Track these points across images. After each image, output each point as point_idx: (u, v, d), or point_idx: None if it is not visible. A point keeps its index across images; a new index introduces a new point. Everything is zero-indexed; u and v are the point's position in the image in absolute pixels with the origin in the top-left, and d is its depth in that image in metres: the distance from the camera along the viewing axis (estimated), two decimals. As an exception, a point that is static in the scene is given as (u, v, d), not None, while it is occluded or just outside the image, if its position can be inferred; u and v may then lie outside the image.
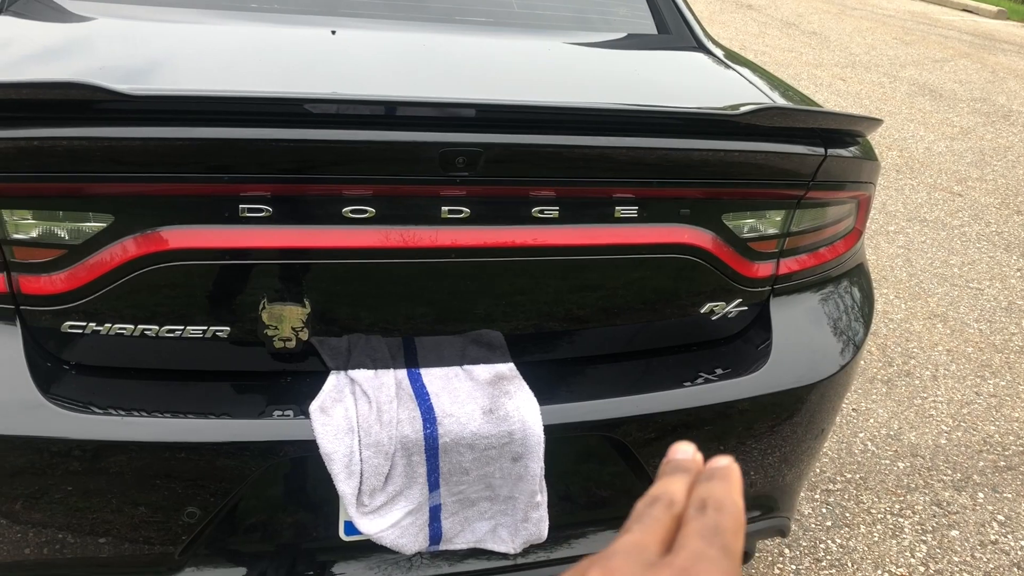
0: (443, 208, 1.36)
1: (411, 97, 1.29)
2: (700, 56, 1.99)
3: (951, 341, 3.65)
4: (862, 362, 3.35)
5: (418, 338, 1.48)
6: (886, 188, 5.37)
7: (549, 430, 1.42)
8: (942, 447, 2.93)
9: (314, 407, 1.35)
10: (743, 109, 1.42)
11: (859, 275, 1.87)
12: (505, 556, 1.53)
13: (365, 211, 1.32)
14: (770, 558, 2.36)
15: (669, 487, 0.44)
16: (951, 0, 13.59)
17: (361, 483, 1.35)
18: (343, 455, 1.33)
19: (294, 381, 1.43)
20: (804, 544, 2.42)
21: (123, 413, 1.32)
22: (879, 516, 2.57)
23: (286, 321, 1.36)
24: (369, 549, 1.46)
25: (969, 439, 2.99)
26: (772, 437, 1.67)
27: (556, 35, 2.04)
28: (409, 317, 1.46)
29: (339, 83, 1.53)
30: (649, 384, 1.56)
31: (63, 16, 1.69)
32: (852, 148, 1.62)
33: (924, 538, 2.50)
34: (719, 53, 2.02)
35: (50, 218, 1.26)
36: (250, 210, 1.28)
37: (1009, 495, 2.72)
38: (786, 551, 2.39)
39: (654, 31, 2.15)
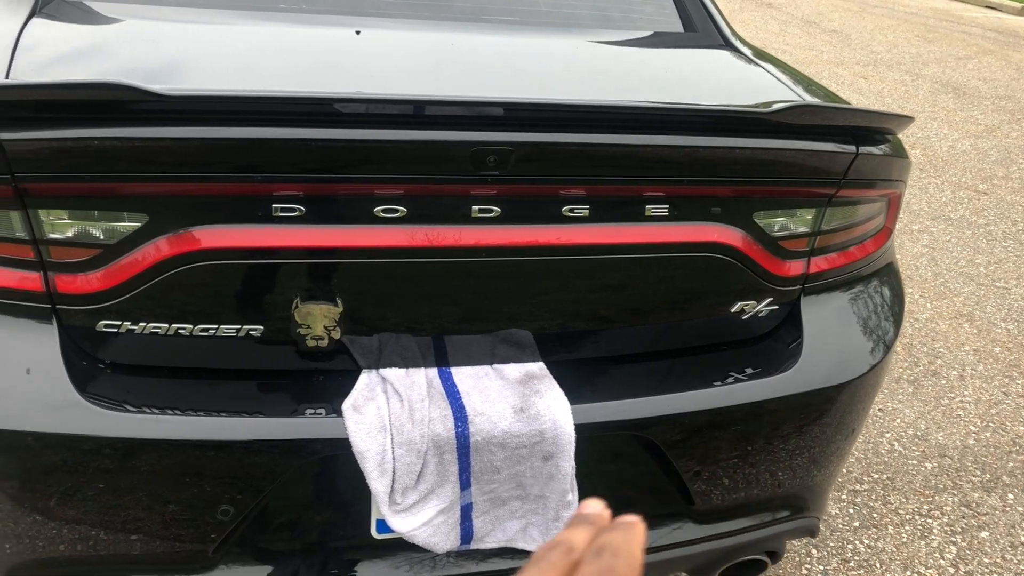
0: (473, 207, 1.36)
1: (444, 96, 1.29)
2: (728, 54, 1.98)
3: (978, 341, 3.62)
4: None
5: (448, 337, 1.48)
6: (910, 187, 5.33)
7: (579, 429, 1.41)
8: (970, 448, 2.90)
9: (347, 405, 1.35)
10: (775, 107, 1.41)
11: (889, 274, 1.85)
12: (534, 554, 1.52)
13: (396, 210, 1.33)
14: (797, 558, 2.34)
15: (571, 535, 0.46)
16: (974, -3, 13.46)
17: (394, 481, 1.35)
18: (376, 453, 1.33)
19: (326, 380, 1.44)
20: (831, 544, 2.41)
21: (157, 412, 1.33)
22: (907, 517, 2.54)
23: (318, 320, 1.37)
24: (399, 547, 1.47)
25: (998, 440, 2.96)
26: (802, 437, 1.66)
27: (582, 33, 2.04)
28: (439, 316, 1.46)
29: (370, 83, 1.53)
30: (679, 383, 1.55)
31: (94, 18, 1.71)
32: (883, 146, 1.60)
33: (953, 539, 2.47)
34: (747, 51, 2.01)
35: (85, 218, 1.27)
36: (283, 210, 1.29)
37: (1039, 496, 2.69)
38: (813, 551, 2.38)
39: (680, 29, 2.14)
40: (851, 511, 2.55)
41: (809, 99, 1.72)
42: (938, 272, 4.22)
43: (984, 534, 2.51)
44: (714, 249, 1.51)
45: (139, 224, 1.27)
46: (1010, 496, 2.68)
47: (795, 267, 1.62)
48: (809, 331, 1.65)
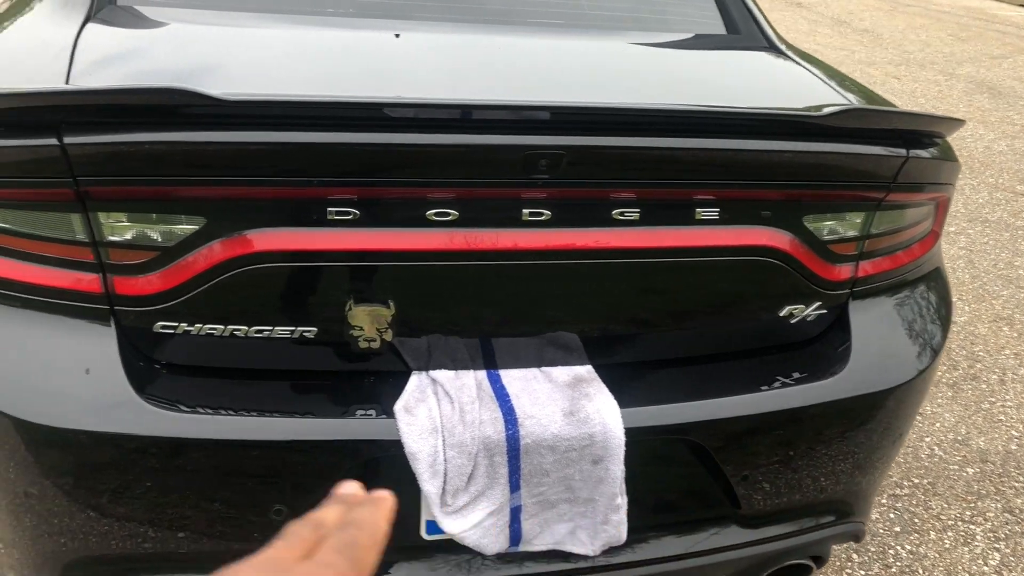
0: (524, 211, 1.37)
1: (498, 100, 1.30)
2: (773, 56, 1.97)
3: (1019, 344, 3.57)
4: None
5: (495, 339, 1.49)
6: (946, 188, 5.26)
7: (628, 433, 1.42)
8: (1012, 453, 2.87)
9: (398, 407, 1.36)
10: (826, 110, 1.41)
11: (937, 279, 1.84)
12: (582, 558, 1.53)
13: (448, 214, 1.34)
14: (838, 563, 2.33)
15: (322, 513, 0.48)
16: (1008, -5, 13.28)
17: (445, 483, 1.36)
18: (428, 455, 1.34)
19: (376, 381, 1.45)
20: (872, 550, 2.39)
21: (211, 412, 1.34)
22: (949, 523, 2.52)
23: (371, 322, 1.38)
24: (448, 548, 1.47)
25: (1040, 445, 2.93)
26: (849, 441, 1.65)
27: (625, 35, 2.03)
28: (487, 318, 1.47)
29: (422, 87, 1.54)
30: (728, 387, 1.55)
31: (146, 23, 1.73)
32: (933, 149, 1.59)
33: (997, 546, 2.45)
34: (791, 53, 2.00)
35: (144, 221, 1.29)
36: (338, 213, 1.30)
37: (1084, 503, 2.66)
38: (854, 556, 2.36)
39: (723, 31, 2.13)
40: (892, 516, 2.53)
41: (857, 102, 1.71)
42: (976, 275, 4.17)
43: (1028, 541, 2.48)
44: (763, 253, 1.50)
45: (197, 227, 1.29)
46: (1054, 502, 2.65)
47: (844, 271, 1.61)
48: (857, 335, 1.64)
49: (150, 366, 1.38)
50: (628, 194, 1.41)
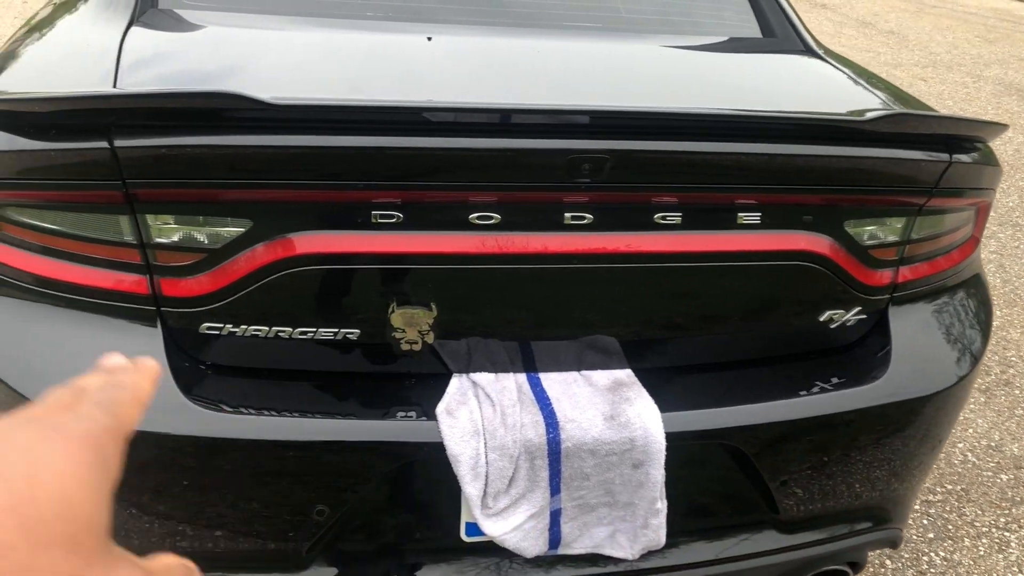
0: (566, 214, 1.37)
1: (543, 105, 1.30)
2: (811, 60, 1.96)
3: (1051, 350, 3.53)
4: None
5: (535, 342, 1.49)
6: (975, 191, 5.21)
7: (668, 437, 1.41)
8: (1047, 460, 2.84)
9: (440, 409, 1.37)
10: (869, 115, 1.40)
11: (977, 285, 1.83)
12: (615, 561, 1.53)
13: (491, 217, 1.34)
14: (872, 569, 2.31)
15: (84, 379, 0.46)
16: (1036, -4, 13.14)
17: (486, 485, 1.37)
18: (469, 457, 1.34)
19: (417, 383, 1.46)
20: (906, 556, 2.37)
21: (255, 412, 1.36)
22: (983, 529, 2.50)
23: (413, 324, 1.39)
24: (488, 551, 1.48)
25: (1075, 452, 2.89)
26: (888, 447, 1.64)
27: (662, 39, 2.03)
28: (528, 321, 1.47)
29: (464, 92, 1.55)
30: (768, 392, 1.54)
31: (188, 27, 1.75)
32: (975, 154, 1.58)
33: (1032, 554, 2.42)
34: (829, 57, 1.99)
35: (191, 223, 1.31)
36: (382, 216, 1.31)
37: (1120, 511, 2.62)
38: (888, 563, 2.34)
39: (759, 35, 2.12)
40: (925, 522, 2.51)
41: (898, 107, 1.70)
42: (1007, 279, 4.13)
43: (1063, 549, 2.45)
44: (804, 257, 1.50)
45: (243, 229, 1.30)
46: (1089, 510, 2.62)
47: (884, 276, 1.60)
48: (897, 341, 1.63)
49: (195, 366, 1.39)
50: (670, 198, 1.41)
